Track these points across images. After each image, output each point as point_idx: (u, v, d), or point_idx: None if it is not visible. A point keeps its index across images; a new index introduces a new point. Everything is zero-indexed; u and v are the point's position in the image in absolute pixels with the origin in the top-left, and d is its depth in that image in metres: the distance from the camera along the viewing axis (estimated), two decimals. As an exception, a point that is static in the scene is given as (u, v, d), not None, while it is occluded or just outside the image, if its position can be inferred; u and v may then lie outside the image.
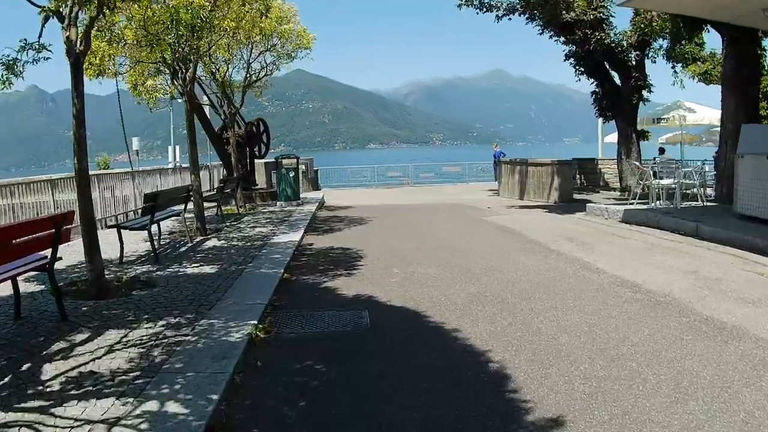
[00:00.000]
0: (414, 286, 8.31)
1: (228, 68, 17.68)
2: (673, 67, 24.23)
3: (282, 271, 8.98)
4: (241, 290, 7.77)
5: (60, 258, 7.16)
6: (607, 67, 23.50)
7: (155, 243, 11.60)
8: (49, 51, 7.32)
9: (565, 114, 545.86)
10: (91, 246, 7.85)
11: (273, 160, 22.01)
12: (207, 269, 9.22)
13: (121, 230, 9.92)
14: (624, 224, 14.51)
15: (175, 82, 12.93)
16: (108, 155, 40.51)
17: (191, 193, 12.26)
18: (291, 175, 19.61)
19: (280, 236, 12.57)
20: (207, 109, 21.93)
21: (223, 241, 12.04)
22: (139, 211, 11.59)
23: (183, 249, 11.30)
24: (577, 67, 23.73)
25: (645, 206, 15.94)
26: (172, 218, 14.26)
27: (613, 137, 29.13)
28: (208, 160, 26.09)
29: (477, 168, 36.12)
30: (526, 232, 13.55)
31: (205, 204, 16.58)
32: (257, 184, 22.84)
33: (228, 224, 14.96)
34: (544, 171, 21.92)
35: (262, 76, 18.73)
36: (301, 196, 22.27)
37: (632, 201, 16.98)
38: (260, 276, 8.66)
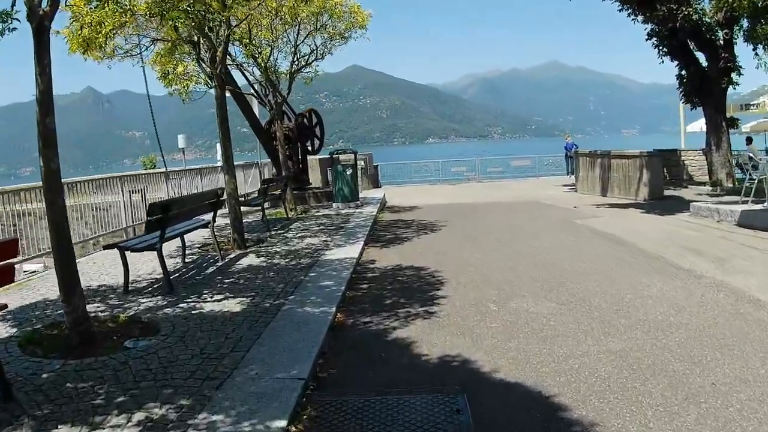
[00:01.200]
0: (526, 339, 5.66)
1: (271, 51, 15.33)
2: (754, 49, 21.22)
3: (333, 310, 6.44)
4: (271, 348, 5.26)
5: (3, 306, 4.86)
6: (692, 47, 20.70)
7: (177, 262, 9.35)
8: (17, 20, 5.55)
9: (622, 105, 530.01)
10: (67, 280, 5.57)
11: (328, 156, 19.57)
12: (232, 305, 6.78)
13: (126, 251, 7.56)
14: (743, 229, 11.74)
15: (202, 63, 10.62)
16: (154, 154, 39.02)
17: (222, 199, 9.86)
18: (348, 173, 17.13)
19: (334, 250, 10.09)
20: (255, 105, 19.78)
21: (262, 258, 9.63)
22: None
23: (210, 270, 8.94)
24: (660, 48, 21.21)
25: (761, 206, 13.03)
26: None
27: (694, 126, 26.28)
28: (258, 158, 23.91)
29: (547, 161, 33.11)
30: (636, 240, 10.78)
31: (250, 208, 14.36)
32: (311, 183, 20.50)
33: (273, 233, 12.58)
34: (631, 164, 19.00)
35: (312, 61, 16.33)
36: (361, 195, 19.86)
37: (745, 199, 14.00)
38: (302, 320, 6.13)
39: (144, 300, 7.17)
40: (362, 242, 10.84)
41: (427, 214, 15.91)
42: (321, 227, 13.20)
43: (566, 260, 9.26)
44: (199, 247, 10.85)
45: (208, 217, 9.69)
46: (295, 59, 15.78)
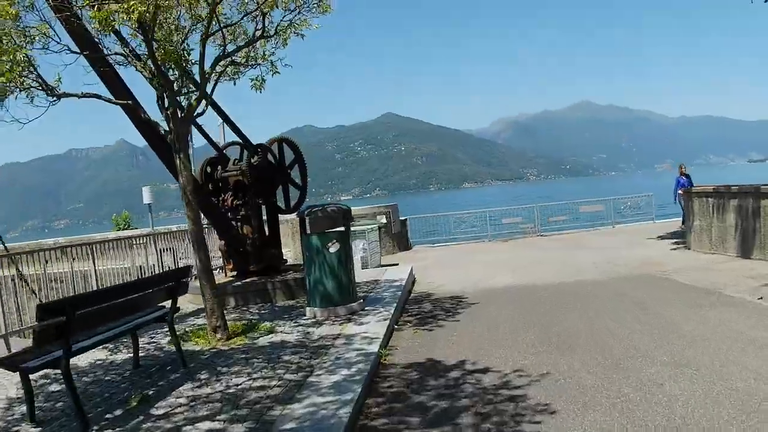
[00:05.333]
0: None
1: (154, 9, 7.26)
2: None
3: None
4: None
5: None
6: None
7: None
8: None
9: (653, 140, 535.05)
10: None
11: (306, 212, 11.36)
12: None
13: None
14: None
15: None
16: (128, 211, 31.71)
17: None
18: (332, 251, 8.89)
19: None
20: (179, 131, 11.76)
21: None
22: None
23: None
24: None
25: None
26: None
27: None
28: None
29: (623, 204, 25.00)
30: None
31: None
32: (286, 261, 12.28)
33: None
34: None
35: (256, 39, 8.35)
36: (370, 276, 11.97)
37: None
38: None
39: None
40: None
41: (490, 335, 7.63)
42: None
43: None
44: None
45: None
46: (212, 28, 7.72)
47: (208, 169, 11.61)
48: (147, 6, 6.89)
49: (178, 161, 7.91)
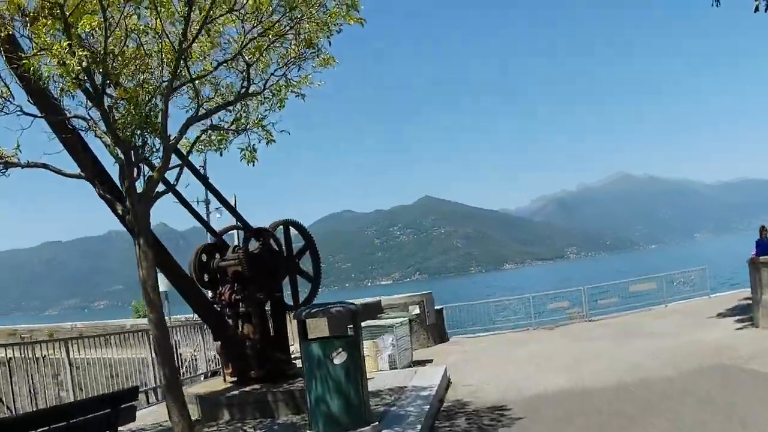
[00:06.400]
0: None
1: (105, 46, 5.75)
2: None
3: None
4: None
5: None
6: None
7: None
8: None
9: (690, 208, 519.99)
10: None
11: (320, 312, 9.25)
12: None
13: None
14: None
15: None
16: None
17: None
18: (338, 363, 6.90)
19: None
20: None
21: None
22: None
23: None
24: None
25: None
26: None
27: None
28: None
29: (676, 280, 22.85)
30: None
31: None
32: (293, 366, 10.35)
33: None
34: None
35: (240, 96, 6.81)
36: (397, 381, 10.09)
37: None
38: None
39: None
40: None
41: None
42: None
43: None
44: None
45: None
46: (182, 71, 6.13)
47: (204, 258, 9.95)
48: (88, 52, 5.42)
49: (137, 249, 6.24)
